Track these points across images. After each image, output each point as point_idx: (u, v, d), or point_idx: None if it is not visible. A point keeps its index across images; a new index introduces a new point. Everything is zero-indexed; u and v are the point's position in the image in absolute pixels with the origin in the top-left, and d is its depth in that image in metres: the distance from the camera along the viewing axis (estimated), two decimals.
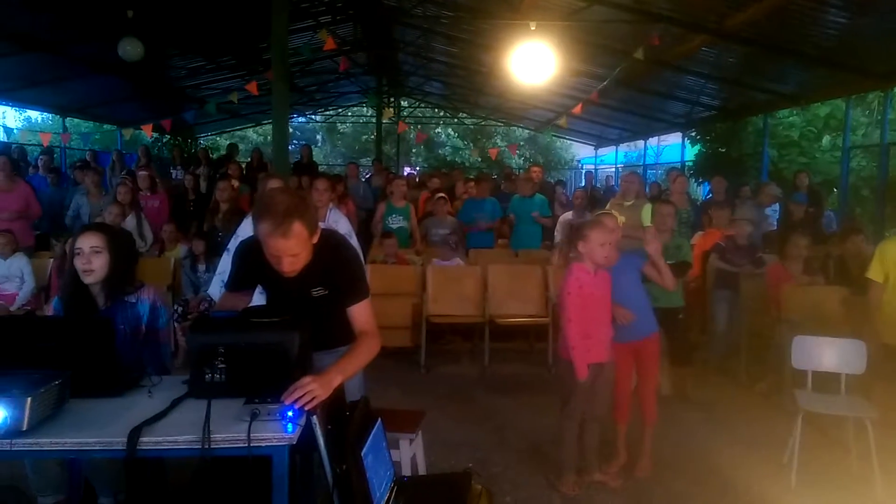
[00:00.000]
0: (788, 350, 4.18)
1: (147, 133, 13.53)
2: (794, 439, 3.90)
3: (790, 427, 3.97)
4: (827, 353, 4.07)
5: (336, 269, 2.60)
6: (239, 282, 2.77)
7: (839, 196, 10.68)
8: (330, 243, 2.63)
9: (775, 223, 8.38)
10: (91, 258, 2.80)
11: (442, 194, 8.10)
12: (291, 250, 2.39)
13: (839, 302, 5.29)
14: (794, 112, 12.83)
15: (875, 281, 4.16)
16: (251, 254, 2.59)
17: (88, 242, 2.82)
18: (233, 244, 4.59)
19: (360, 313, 2.61)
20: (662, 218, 5.09)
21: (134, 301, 2.93)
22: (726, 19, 7.70)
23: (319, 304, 2.62)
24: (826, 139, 13.20)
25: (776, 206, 8.66)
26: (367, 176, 12.67)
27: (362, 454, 2.17)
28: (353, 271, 2.67)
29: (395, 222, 7.37)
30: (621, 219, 4.59)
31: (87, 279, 2.82)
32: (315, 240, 2.49)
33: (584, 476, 3.80)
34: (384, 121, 19.24)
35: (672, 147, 18.48)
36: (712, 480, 3.92)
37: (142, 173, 8.12)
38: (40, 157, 9.64)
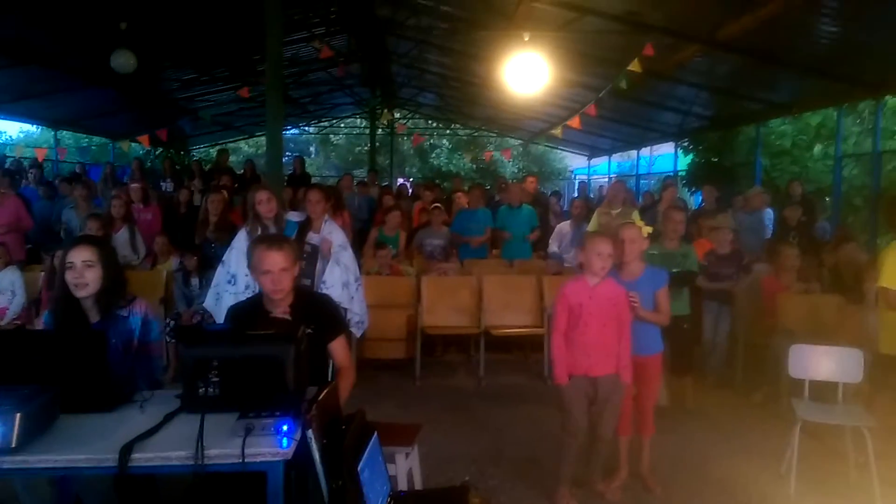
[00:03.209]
0: (785, 359, 4.17)
1: (144, 143, 13.47)
2: (791, 448, 3.88)
3: (788, 436, 3.97)
4: (824, 362, 4.06)
5: (317, 307, 3.05)
6: None
7: (831, 205, 10.71)
8: (305, 290, 3.25)
9: (771, 231, 8.39)
10: (83, 272, 2.77)
11: (437, 204, 8.07)
12: (282, 263, 2.85)
13: (835, 310, 5.30)
14: (786, 121, 12.89)
15: (891, 288, 3.90)
16: (241, 312, 3.05)
17: (80, 256, 2.79)
18: (227, 257, 4.57)
19: (339, 347, 3.04)
20: (675, 224, 5.03)
21: (126, 315, 2.89)
22: (719, 29, 7.73)
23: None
24: (818, 148, 13.25)
25: (772, 214, 8.67)
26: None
27: (359, 469, 2.13)
28: (333, 307, 3.23)
29: None
30: (647, 229, 4.57)
31: (80, 293, 2.79)
32: (296, 271, 2.98)
33: (585, 487, 3.77)
34: (379, 128, 19.20)
35: (665, 157, 18.53)
36: (710, 490, 3.90)
37: (134, 186, 8.10)
38: (30, 170, 9.59)
